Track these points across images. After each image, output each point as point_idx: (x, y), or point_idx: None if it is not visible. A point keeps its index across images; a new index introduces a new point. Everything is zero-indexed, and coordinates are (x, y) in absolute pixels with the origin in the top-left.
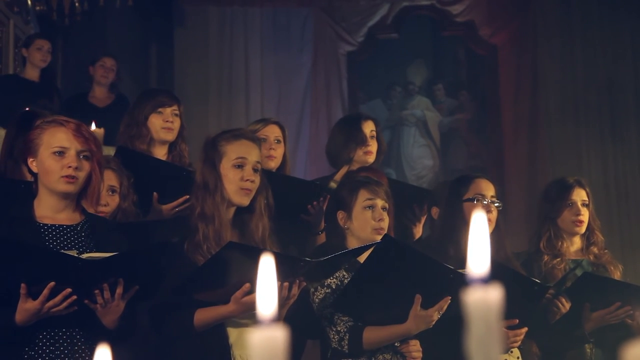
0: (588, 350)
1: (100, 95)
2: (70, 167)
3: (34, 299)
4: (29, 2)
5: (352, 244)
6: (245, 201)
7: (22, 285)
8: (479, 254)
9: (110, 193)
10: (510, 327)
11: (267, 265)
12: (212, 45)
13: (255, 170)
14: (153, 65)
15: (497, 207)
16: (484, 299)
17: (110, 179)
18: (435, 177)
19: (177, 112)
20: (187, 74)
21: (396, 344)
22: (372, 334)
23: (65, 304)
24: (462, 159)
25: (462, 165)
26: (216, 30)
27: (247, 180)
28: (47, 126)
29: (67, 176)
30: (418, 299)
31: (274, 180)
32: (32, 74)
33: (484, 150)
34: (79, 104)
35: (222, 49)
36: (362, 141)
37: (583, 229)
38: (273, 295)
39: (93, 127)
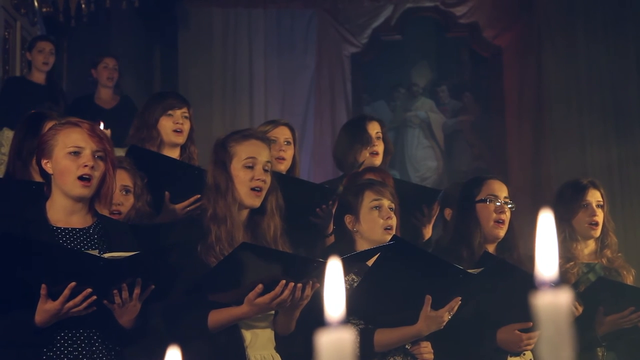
0: (600, 354)
1: (105, 96)
2: (86, 166)
3: (54, 299)
4: (36, 4)
5: (362, 246)
6: (256, 203)
7: (43, 286)
8: (547, 257)
9: (124, 193)
10: (524, 330)
11: (334, 269)
12: (216, 47)
13: (265, 170)
14: (157, 67)
15: (510, 208)
16: (553, 302)
17: (123, 179)
18: (439, 179)
19: (186, 114)
20: (191, 76)
21: (407, 346)
22: (383, 336)
23: (85, 304)
24: (466, 160)
25: (466, 167)
26: (220, 32)
27: (258, 179)
28: (61, 127)
29: (82, 178)
30: (428, 299)
31: (283, 183)
32: (38, 76)
33: (487, 151)
34: (85, 106)
35: (226, 51)
36: (368, 142)
37: (598, 232)
38: (340, 298)
39: (101, 127)
